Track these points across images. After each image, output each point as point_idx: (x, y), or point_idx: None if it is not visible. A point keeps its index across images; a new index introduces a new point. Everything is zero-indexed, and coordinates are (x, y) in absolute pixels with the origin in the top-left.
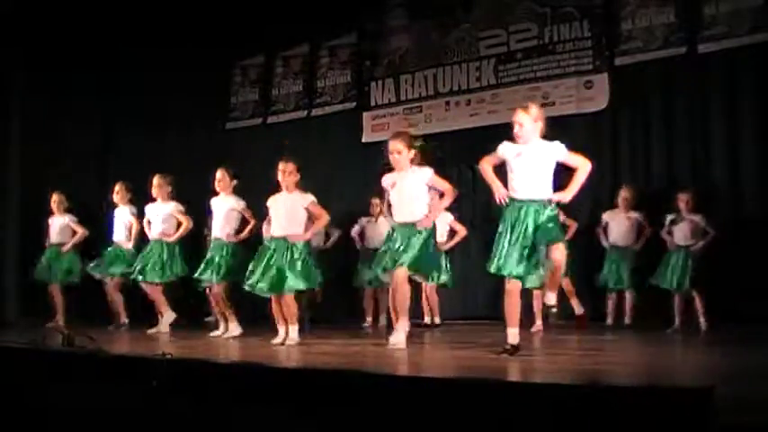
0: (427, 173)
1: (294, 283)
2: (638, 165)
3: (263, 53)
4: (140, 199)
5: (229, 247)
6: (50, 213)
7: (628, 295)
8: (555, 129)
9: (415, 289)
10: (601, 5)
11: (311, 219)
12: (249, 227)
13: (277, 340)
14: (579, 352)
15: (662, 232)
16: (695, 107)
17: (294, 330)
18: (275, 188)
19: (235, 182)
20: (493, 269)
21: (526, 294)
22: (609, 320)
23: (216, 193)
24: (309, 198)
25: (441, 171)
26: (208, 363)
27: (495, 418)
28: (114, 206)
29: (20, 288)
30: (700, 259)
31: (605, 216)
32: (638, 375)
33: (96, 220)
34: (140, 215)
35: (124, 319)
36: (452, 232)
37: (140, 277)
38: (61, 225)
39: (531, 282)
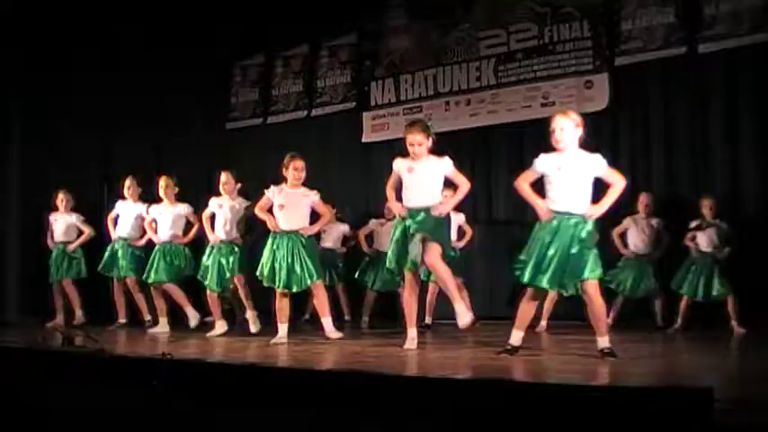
0: (448, 163)
1: (312, 275)
2: (638, 165)
3: (263, 53)
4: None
5: (233, 246)
6: (50, 212)
7: (658, 301)
8: None
9: (422, 290)
10: (601, 5)
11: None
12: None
13: (277, 339)
14: (582, 352)
15: (685, 239)
16: (695, 107)
17: (328, 323)
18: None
19: (239, 185)
20: (526, 279)
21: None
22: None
23: (219, 194)
24: (315, 195)
25: None
26: (208, 363)
27: (494, 417)
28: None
29: (20, 288)
30: (727, 265)
31: (626, 222)
32: (638, 375)
33: (97, 220)
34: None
35: (122, 319)
36: (462, 233)
37: (155, 278)
38: (68, 224)
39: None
